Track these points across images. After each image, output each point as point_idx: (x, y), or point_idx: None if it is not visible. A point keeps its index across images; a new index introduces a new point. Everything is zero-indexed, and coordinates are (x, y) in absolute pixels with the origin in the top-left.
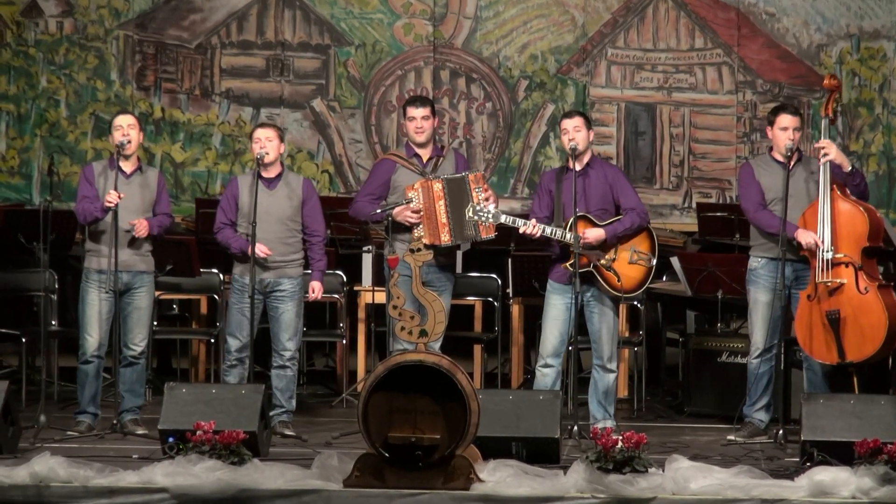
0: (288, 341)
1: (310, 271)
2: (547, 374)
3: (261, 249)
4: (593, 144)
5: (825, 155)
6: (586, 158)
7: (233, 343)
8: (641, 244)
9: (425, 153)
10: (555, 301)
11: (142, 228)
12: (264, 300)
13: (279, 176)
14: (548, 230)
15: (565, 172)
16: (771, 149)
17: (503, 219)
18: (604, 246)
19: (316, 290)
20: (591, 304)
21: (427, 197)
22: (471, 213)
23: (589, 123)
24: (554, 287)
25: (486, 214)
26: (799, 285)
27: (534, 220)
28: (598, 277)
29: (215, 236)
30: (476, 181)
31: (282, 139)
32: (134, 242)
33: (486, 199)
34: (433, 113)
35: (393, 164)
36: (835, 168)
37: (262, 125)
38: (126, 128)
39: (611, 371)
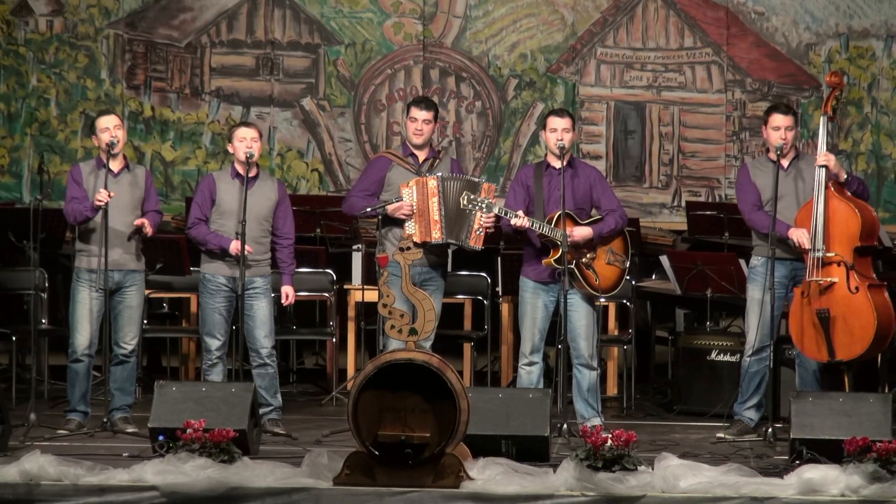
0: (265, 338)
1: (281, 274)
2: (532, 372)
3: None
4: (583, 143)
5: (824, 163)
6: (567, 157)
7: (212, 343)
8: (617, 246)
9: (421, 154)
10: (531, 300)
11: (149, 227)
12: (235, 298)
13: (256, 176)
14: (536, 224)
15: (545, 169)
16: (768, 149)
17: (496, 209)
18: (588, 245)
19: (290, 294)
20: (569, 303)
21: (421, 194)
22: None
23: (574, 124)
24: (529, 285)
25: (480, 203)
26: (798, 284)
27: (521, 212)
28: (578, 275)
29: (188, 231)
30: (488, 191)
31: (261, 138)
32: (125, 241)
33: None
34: (436, 118)
35: (388, 162)
36: (831, 176)
37: (246, 124)
38: (113, 129)
39: (592, 368)
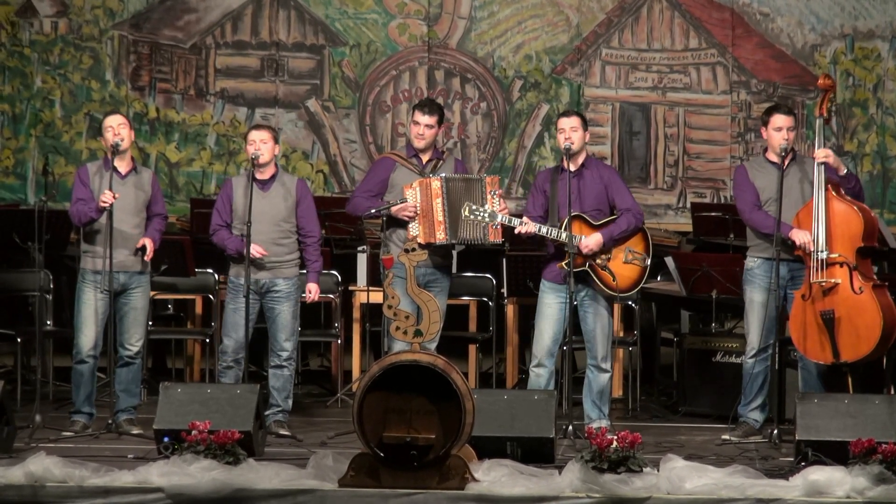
0: (285, 342)
1: (305, 272)
2: (541, 375)
3: (256, 250)
4: (588, 144)
5: (824, 159)
6: (581, 159)
7: (228, 344)
8: (636, 244)
9: (425, 155)
10: (549, 300)
11: (150, 252)
12: (260, 301)
13: (273, 177)
14: (543, 229)
15: (560, 172)
16: (765, 150)
17: (499, 218)
18: (602, 248)
19: (313, 291)
20: (585, 304)
21: (424, 195)
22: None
23: (585, 124)
24: (548, 286)
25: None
26: (795, 285)
27: (526, 219)
28: (594, 277)
29: (211, 238)
30: (493, 184)
31: (276, 140)
32: (130, 243)
33: (501, 204)
34: (440, 122)
35: (392, 163)
36: (829, 171)
37: (257, 126)
38: (117, 127)
39: (605, 371)
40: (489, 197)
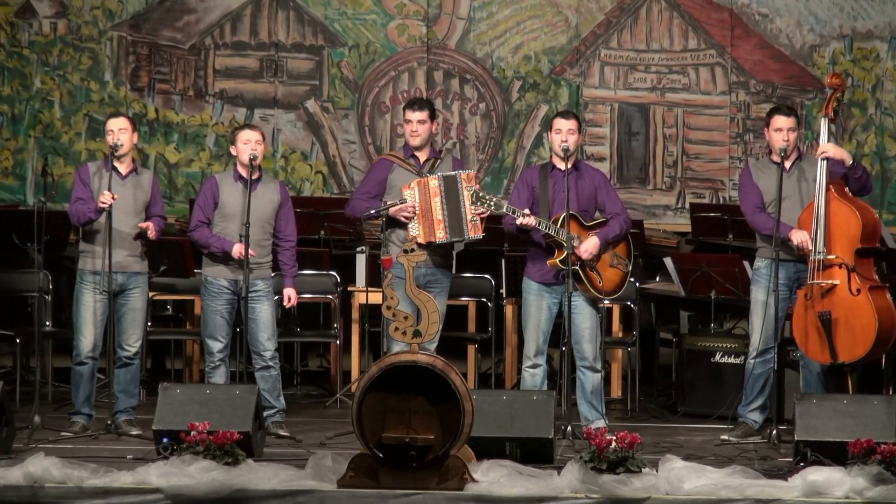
0: (267, 341)
1: (281, 274)
2: (536, 374)
3: (242, 251)
4: (587, 145)
5: (823, 153)
6: (572, 160)
7: (214, 345)
8: (620, 249)
9: (423, 154)
10: (535, 301)
11: (152, 232)
12: (237, 301)
13: (258, 178)
14: (543, 224)
15: (551, 171)
16: (770, 150)
17: (505, 207)
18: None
19: (292, 297)
20: (573, 305)
21: (423, 194)
22: (474, 199)
23: (581, 127)
24: (532, 287)
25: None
26: (801, 286)
27: (527, 210)
28: (583, 277)
29: (190, 234)
30: (468, 180)
31: (264, 140)
32: (129, 243)
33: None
34: (431, 117)
35: (390, 164)
36: (836, 163)
37: (250, 126)
38: (117, 132)
39: (597, 370)
40: (465, 192)
